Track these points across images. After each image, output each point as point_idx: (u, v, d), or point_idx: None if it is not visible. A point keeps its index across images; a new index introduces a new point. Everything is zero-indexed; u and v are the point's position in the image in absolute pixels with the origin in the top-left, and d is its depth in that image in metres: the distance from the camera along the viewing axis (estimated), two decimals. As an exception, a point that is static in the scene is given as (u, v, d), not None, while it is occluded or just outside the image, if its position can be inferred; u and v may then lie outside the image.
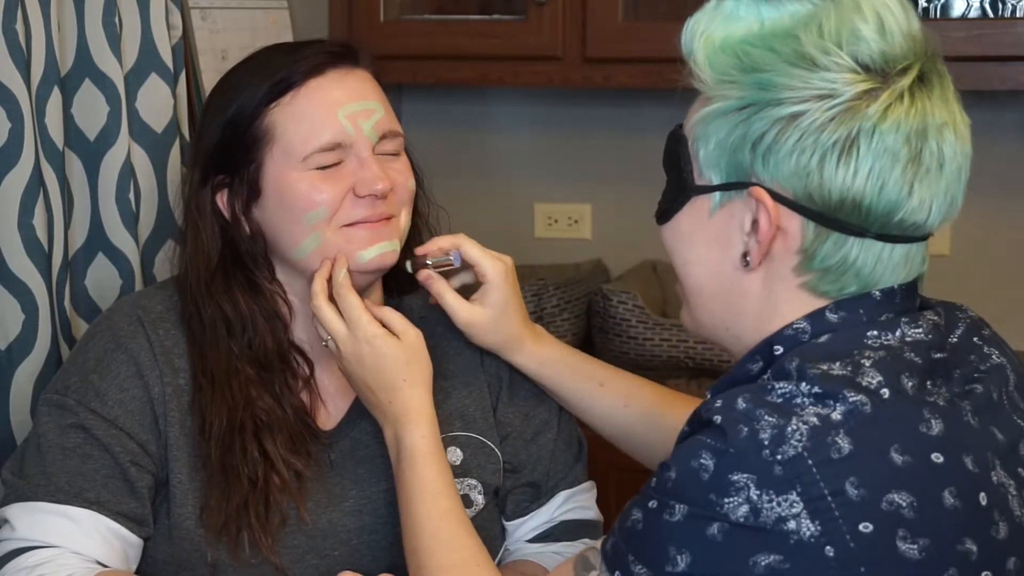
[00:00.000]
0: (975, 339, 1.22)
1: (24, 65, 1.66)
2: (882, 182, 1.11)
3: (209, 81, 2.13)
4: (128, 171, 1.88)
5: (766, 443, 1.06)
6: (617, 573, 1.13)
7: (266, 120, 1.51)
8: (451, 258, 1.56)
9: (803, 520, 1.04)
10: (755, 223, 1.15)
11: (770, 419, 1.07)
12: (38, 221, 1.69)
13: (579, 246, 3.00)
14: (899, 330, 1.15)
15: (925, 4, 2.48)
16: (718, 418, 1.09)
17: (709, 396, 1.16)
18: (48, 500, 1.45)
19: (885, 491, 1.05)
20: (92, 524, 1.44)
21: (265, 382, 1.53)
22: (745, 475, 1.05)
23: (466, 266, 1.58)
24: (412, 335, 1.48)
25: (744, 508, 1.05)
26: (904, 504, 1.05)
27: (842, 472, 1.05)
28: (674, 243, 1.23)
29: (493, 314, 1.56)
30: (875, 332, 1.14)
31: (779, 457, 1.05)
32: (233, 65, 1.60)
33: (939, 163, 1.13)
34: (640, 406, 1.59)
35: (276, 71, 1.52)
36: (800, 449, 1.05)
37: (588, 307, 2.73)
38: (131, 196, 1.88)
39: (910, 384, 1.11)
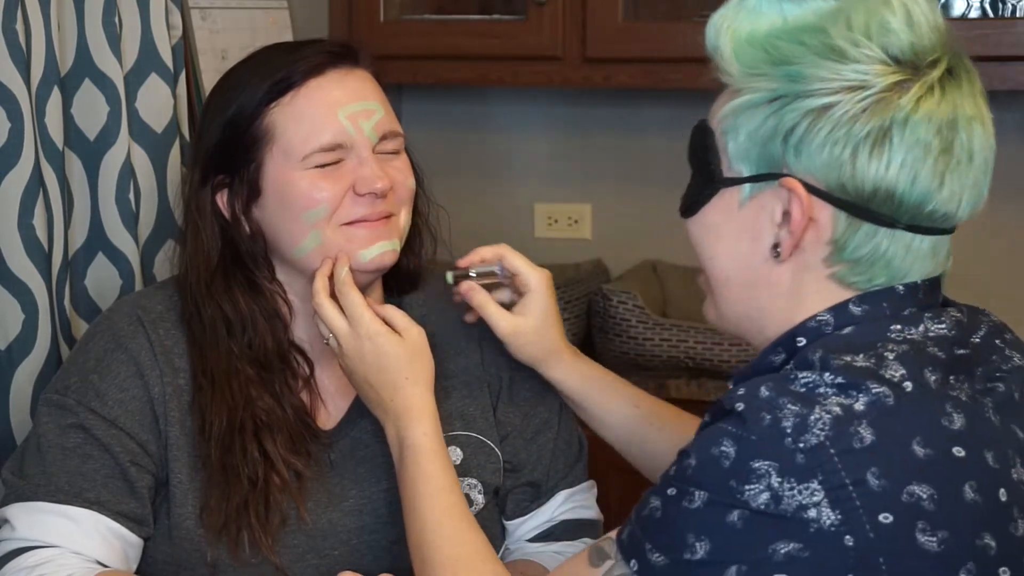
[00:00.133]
0: (997, 341, 1.22)
1: (24, 65, 1.66)
2: (915, 173, 1.12)
3: (209, 81, 2.12)
4: (128, 171, 1.88)
5: (789, 431, 1.06)
6: (633, 562, 1.13)
7: (266, 120, 1.51)
8: (495, 269, 1.56)
9: (824, 509, 1.04)
10: (786, 214, 1.15)
11: (793, 407, 1.07)
12: (38, 221, 1.69)
13: (579, 246, 3.00)
14: (922, 325, 1.15)
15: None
16: (740, 406, 1.09)
17: (730, 386, 1.17)
18: (48, 500, 1.45)
19: (906, 482, 1.06)
20: (92, 524, 1.44)
21: (265, 382, 1.53)
22: (767, 462, 1.06)
23: (504, 281, 1.57)
24: (415, 333, 1.48)
25: (765, 495, 1.05)
26: (924, 496, 1.06)
27: (864, 462, 1.05)
28: (701, 236, 1.23)
29: (536, 324, 1.55)
30: (898, 326, 1.15)
31: (801, 445, 1.05)
32: (233, 65, 1.60)
33: (968, 155, 1.14)
34: (674, 431, 1.56)
35: (276, 71, 1.52)
36: (822, 438, 1.06)
37: (588, 307, 2.73)
38: (131, 196, 1.89)
39: (933, 378, 1.11)
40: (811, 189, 1.13)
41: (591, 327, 2.72)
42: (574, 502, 1.65)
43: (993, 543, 1.08)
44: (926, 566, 1.06)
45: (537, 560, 1.60)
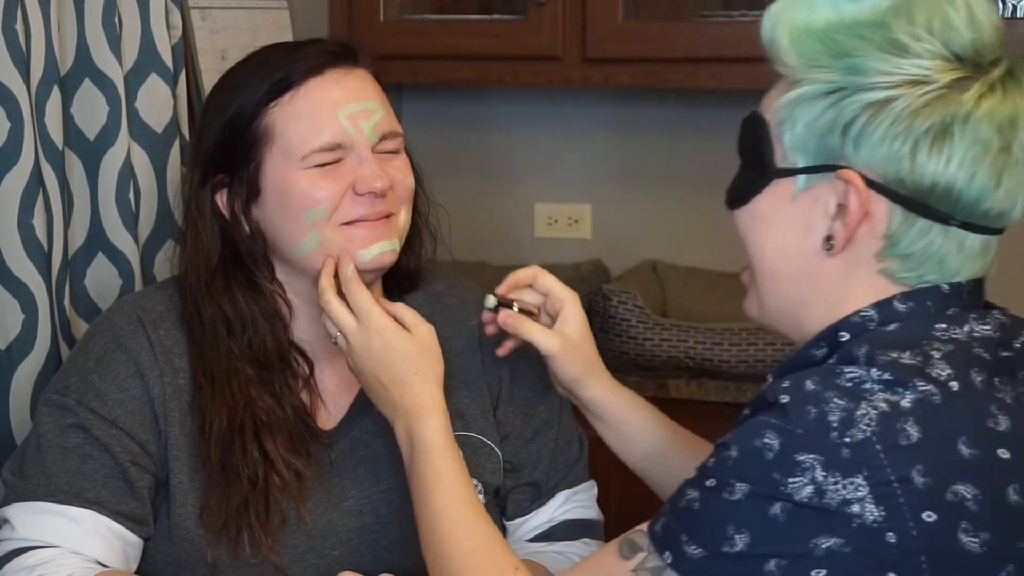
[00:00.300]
0: None
1: (24, 65, 1.66)
2: (973, 171, 1.12)
3: (209, 81, 2.12)
4: (128, 171, 1.88)
5: (835, 425, 1.06)
6: (668, 554, 1.12)
7: (266, 120, 1.51)
8: (534, 309, 1.56)
9: (867, 504, 1.04)
10: (840, 207, 1.15)
11: (840, 402, 1.07)
12: (38, 221, 1.69)
13: (579, 246, 3.00)
14: (967, 325, 1.15)
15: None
16: (785, 398, 1.09)
17: (771, 380, 1.16)
18: (48, 500, 1.45)
19: (951, 482, 1.06)
20: (92, 524, 1.44)
21: (265, 382, 1.53)
22: (812, 456, 1.05)
23: (537, 315, 1.56)
24: (424, 330, 1.47)
25: (809, 488, 1.05)
26: (969, 496, 1.06)
27: (909, 459, 1.05)
28: (750, 226, 1.22)
29: (576, 341, 1.54)
30: (943, 325, 1.14)
31: (847, 440, 1.05)
32: (233, 65, 1.60)
33: None
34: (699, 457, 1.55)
35: (276, 71, 1.52)
36: (868, 433, 1.05)
37: (588, 307, 2.73)
38: (131, 196, 1.88)
39: (979, 379, 1.11)
40: (869, 182, 1.13)
41: (591, 327, 2.72)
42: (575, 502, 1.65)
43: None
44: (967, 566, 1.05)
45: (537, 560, 1.60)
